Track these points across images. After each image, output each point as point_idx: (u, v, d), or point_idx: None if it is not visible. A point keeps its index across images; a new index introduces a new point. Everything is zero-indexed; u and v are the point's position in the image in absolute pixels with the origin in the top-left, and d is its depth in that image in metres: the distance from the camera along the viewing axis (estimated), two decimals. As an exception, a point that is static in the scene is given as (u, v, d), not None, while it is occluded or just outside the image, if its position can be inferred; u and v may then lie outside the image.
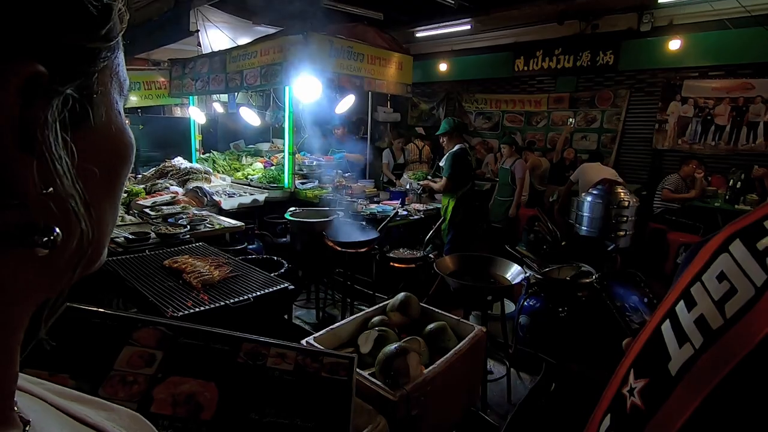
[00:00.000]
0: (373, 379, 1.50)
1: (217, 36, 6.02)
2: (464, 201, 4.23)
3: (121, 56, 0.31)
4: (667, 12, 5.98)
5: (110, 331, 0.62)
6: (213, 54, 5.46)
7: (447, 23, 7.04)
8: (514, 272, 2.53)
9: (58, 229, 0.25)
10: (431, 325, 1.91)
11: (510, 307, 3.19)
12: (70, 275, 0.30)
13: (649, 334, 0.41)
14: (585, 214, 4.13)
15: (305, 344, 1.66)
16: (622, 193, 4.01)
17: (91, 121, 0.27)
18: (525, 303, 2.92)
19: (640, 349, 0.42)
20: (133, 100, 6.96)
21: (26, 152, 0.23)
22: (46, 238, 0.25)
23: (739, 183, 5.10)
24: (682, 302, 0.38)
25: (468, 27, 7.06)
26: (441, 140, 4.33)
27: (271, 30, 5.67)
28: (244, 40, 5.58)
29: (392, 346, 1.57)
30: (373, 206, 4.27)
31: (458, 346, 1.74)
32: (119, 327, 0.64)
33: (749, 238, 0.36)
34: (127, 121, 0.33)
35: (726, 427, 0.33)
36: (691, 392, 0.34)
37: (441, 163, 4.30)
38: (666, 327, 0.39)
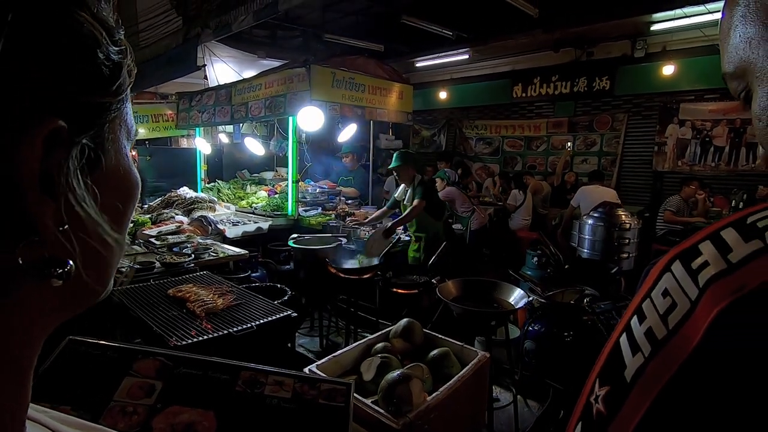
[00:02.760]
0: (376, 407, 1.49)
1: (223, 69, 6.23)
2: (442, 233, 3.94)
3: (129, 106, 0.34)
4: (660, 39, 6.15)
5: (111, 363, 0.64)
6: (219, 87, 5.63)
7: (446, 53, 7.25)
8: (517, 296, 2.51)
9: (71, 263, 0.28)
10: (434, 352, 1.90)
11: (515, 332, 3.15)
12: (87, 302, 0.33)
13: (611, 347, 0.45)
14: (587, 237, 4.13)
15: (307, 372, 1.65)
16: (623, 216, 4.02)
17: (103, 165, 0.31)
18: (529, 328, 2.89)
19: (603, 360, 0.46)
20: (142, 132, 7.14)
21: (46, 195, 0.26)
22: (60, 271, 0.27)
23: (741, 203, 5.10)
24: (635, 317, 0.43)
25: (466, 56, 7.27)
26: (393, 174, 4.13)
27: (276, 63, 5.86)
28: (249, 73, 5.77)
29: (395, 373, 1.56)
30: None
31: (461, 372, 1.72)
32: (119, 358, 0.65)
33: (687, 258, 0.41)
34: (134, 153, 0.37)
35: (672, 424, 0.37)
36: (642, 396, 0.38)
37: (406, 201, 3.96)
38: (623, 339, 0.43)
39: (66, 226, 0.27)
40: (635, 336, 0.42)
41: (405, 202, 3.99)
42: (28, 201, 0.25)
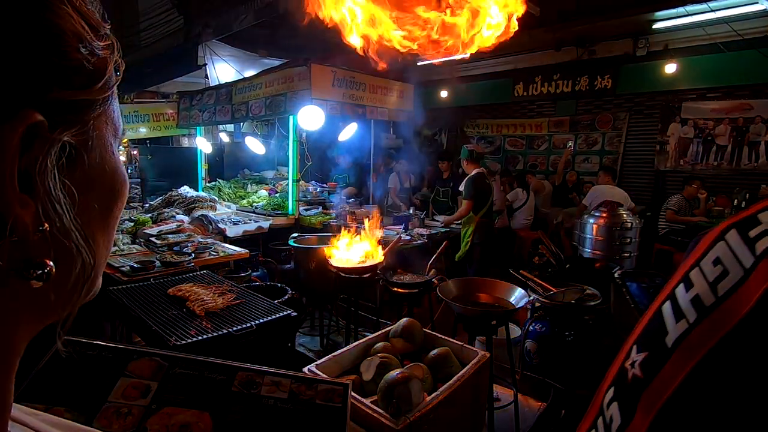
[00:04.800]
0: (376, 407, 1.48)
1: (224, 68, 6.23)
2: (484, 222, 4.47)
3: (116, 103, 0.33)
4: (662, 37, 6.12)
5: (106, 363, 0.64)
6: (220, 86, 5.63)
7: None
8: (518, 296, 2.50)
9: (51, 263, 0.27)
10: (434, 351, 1.89)
11: (516, 331, 3.14)
12: (71, 304, 0.32)
13: (651, 314, 0.45)
14: (588, 236, 4.11)
15: (306, 372, 1.65)
16: (624, 215, 4.01)
17: (86, 163, 0.30)
18: (530, 327, 2.88)
19: (642, 328, 0.45)
20: (143, 131, 7.15)
21: (25, 193, 0.25)
22: (40, 271, 0.27)
23: (744, 202, 5.08)
24: (681, 285, 0.43)
25: (467, 55, 7.24)
26: (463, 164, 4.67)
27: (277, 62, 5.86)
28: (250, 72, 5.77)
29: (394, 373, 1.56)
30: (377, 231, 4.28)
31: (461, 372, 1.71)
32: (114, 358, 0.65)
33: (743, 228, 0.40)
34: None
35: (711, 391, 0.36)
36: (683, 361, 0.38)
37: (460, 188, 4.59)
38: (666, 307, 0.43)
39: (45, 227, 0.27)
40: (680, 303, 0.41)
41: (461, 188, 4.56)
42: (6, 199, 0.25)
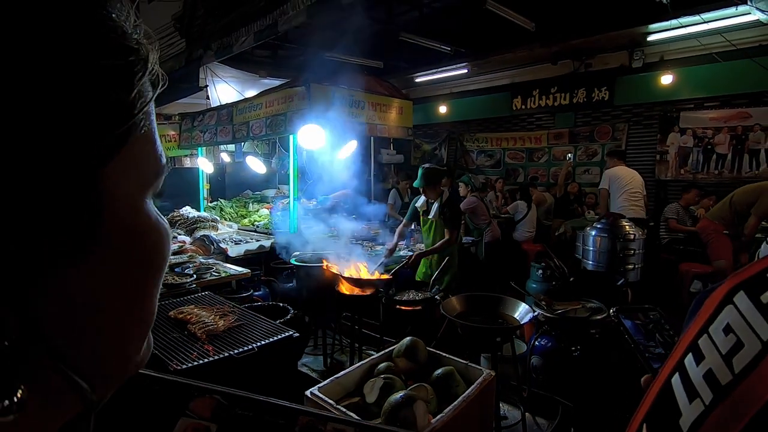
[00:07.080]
0: (379, 431, 1.45)
1: (225, 89, 6.32)
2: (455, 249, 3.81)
3: (148, 137, 0.27)
4: (657, 49, 6.19)
5: (168, 400, 0.62)
6: (221, 107, 5.70)
7: (445, 68, 7.32)
8: (522, 311, 2.47)
9: (22, 388, 0.21)
10: (438, 371, 1.86)
11: (522, 347, 3.10)
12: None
13: (659, 386, 0.40)
14: (591, 248, 4.08)
15: (309, 395, 1.62)
16: (627, 226, 3.98)
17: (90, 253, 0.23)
18: (536, 343, 2.84)
19: (651, 402, 0.41)
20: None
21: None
22: (6, 402, 0.20)
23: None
24: (690, 355, 0.38)
25: (465, 71, 7.34)
26: (427, 192, 3.77)
27: (277, 82, 5.94)
28: (251, 92, 5.85)
29: (398, 395, 1.53)
30: (378, 248, 4.27)
31: (467, 393, 1.68)
32: (177, 395, 0.64)
33: (753, 290, 0.36)
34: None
35: None
36: None
37: (431, 216, 3.73)
38: (676, 380, 0.38)
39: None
40: (691, 378, 0.37)
41: (430, 217, 3.72)
42: None
